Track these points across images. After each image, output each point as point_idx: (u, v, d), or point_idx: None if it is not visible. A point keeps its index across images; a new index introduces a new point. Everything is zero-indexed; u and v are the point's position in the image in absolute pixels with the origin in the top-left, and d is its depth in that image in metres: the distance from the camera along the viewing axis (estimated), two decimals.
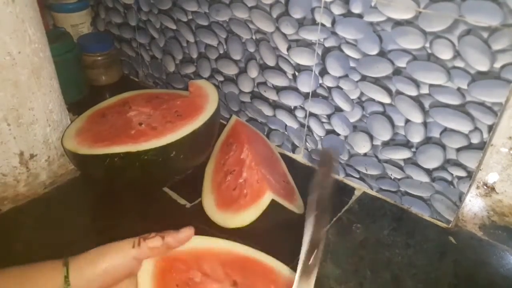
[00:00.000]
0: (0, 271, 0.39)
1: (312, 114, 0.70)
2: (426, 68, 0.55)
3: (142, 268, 0.41)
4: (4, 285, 0.38)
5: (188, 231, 0.45)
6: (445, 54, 0.53)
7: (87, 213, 0.65)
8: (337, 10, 0.59)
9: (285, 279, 0.50)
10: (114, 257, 0.40)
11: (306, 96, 0.70)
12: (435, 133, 0.58)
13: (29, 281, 0.38)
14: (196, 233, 0.60)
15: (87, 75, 0.92)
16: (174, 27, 0.83)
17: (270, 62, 0.71)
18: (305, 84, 0.69)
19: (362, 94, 0.63)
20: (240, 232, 0.59)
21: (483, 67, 0.51)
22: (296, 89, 0.70)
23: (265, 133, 0.79)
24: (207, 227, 0.60)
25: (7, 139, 0.60)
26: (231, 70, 0.78)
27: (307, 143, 0.74)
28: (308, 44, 0.65)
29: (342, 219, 0.64)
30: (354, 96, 0.64)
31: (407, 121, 0.60)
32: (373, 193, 0.69)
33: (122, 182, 0.63)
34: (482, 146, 0.55)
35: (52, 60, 0.64)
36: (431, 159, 0.60)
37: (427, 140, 0.60)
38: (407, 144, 0.62)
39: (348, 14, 0.58)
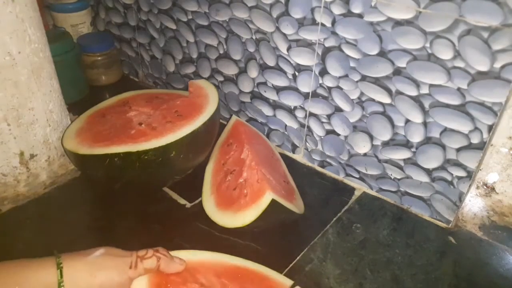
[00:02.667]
0: None
1: (312, 114, 0.71)
2: (426, 68, 0.55)
3: (135, 286, 0.41)
4: None
5: (181, 263, 0.45)
6: (445, 54, 0.53)
7: (87, 213, 0.65)
8: (337, 10, 0.59)
9: (281, 285, 0.50)
10: (112, 273, 0.40)
11: (306, 96, 0.70)
12: (435, 133, 0.58)
13: (13, 281, 0.37)
14: (196, 233, 0.60)
15: (87, 75, 0.92)
16: (174, 27, 0.83)
17: (270, 62, 0.71)
18: (305, 84, 0.69)
19: (362, 94, 0.63)
20: (240, 232, 0.59)
21: (483, 67, 0.51)
22: (296, 89, 0.70)
23: (265, 133, 0.79)
24: (207, 227, 0.60)
25: (7, 139, 0.60)
26: (231, 70, 0.78)
27: (307, 143, 0.74)
28: (308, 44, 0.65)
29: (342, 219, 0.64)
30: (354, 96, 0.64)
31: (407, 121, 0.60)
32: (373, 193, 0.69)
33: (122, 182, 0.62)
34: (482, 146, 0.55)
35: (52, 60, 0.64)
36: (431, 159, 0.60)
37: (427, 140, 0.60)
38: (407, 144, 0.62)
39: (348, 14, 0.58)
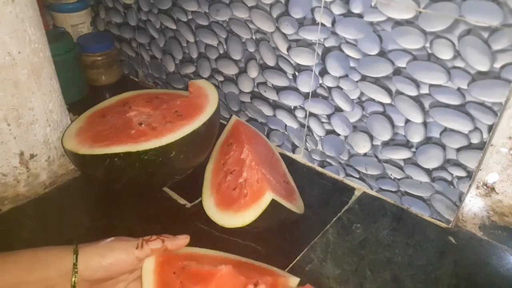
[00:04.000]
0: (11, 252, 0.43)
1: (312, 114, 0.71)
2: (426, 68, 0.55)
3: (145, 265, 0.46)
4: (16, 265, 0.42)
5: (184, 238, 0.49)
6: (445, 54, 0.53)
7: (87, 213, 0.65)
8: (337, 10, 0.59)
9: (282, 276, 0.50)
10: (120, 254, 0.45)
11: (306, 96, 0.70)
12: (435, 133, 0.58)
13: (39, 264, 0.43)
14: (196, 233, 0.60)
15: (87, 75, 0.92)
16: (174, 27, 0.83)
17: (270, 62, 0.71)
18: (305, 84, 0.69)
19: (362, 94, 0.63)
20: (240, 232, 0.59)
21: (483, 67, 0.51)
22: (296, 89, 0.70)
23: (265, 133, 0.79)
24: (207, 227, 0.60)
25: (7, 139, 0.60)
26: (231, 70, 0.78)
27: (307, 143, 0.74)
28: (308, 44, 0.65)
29: (342, 219, 0.64)
30: (354, 96, 0.64)
31: (407, 121, 0.60)
32: (373, 193, 0.69)
33: (122, 182, 0.62)
34: (482, 146, 0.55)
35: (52, 60, 0.64)
36: (431, 159, 0.60)
37: (427, 140, 0.60)
38: (407, 144, 0.62)
39: (348, 14, 0.58)
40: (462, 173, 0.59)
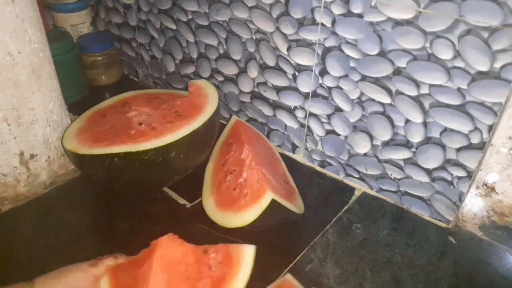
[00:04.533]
0: None
1: (312, 114, 0.71)
2: (426, 68, 0.55)
3: (102, 283, 0.48)
4: None
5: None
6: (445, 54, 0.53)
7: (87, 213, 0.65)
8: (337, 10, 0.59)
9: (234, 245, 0.51)
10: (76, 274, 0.47)
11: (306, 96, 0.70)
12: (435, 133, 0.58)
13: None
14: (196, 233, 0.60)
15: (87, 75, 0.92)
16: (174, 27, 0.83)
17: (270, 62, 0.71)
18: (305, 84, 0.69)
19: (362, 94, 0.63)
20: (240, 232, 0.59)
21: (483, 67, 0.51)
22: (296, 89, 0.70)
23: (265, 133, 0.79)
24: (207, 227, 0.60)
25: (7, 139, 0.60)
26: (231, 70, 0.78)
27: (307, 143, 0.74)
28: (308, 44, 0.65)
29: (342, 219, 0.64)
30: (354, 96, 0.64)
31: (407, 121, 0.60)
32: (373, 193, 0.69)
33: (122, 182, 0.63)
34: (482, 146, 0.55)
35: (52, 60, 0.64)
36: (431, 159, 0.60)
37: (427, 140, 0.60)
38: (407, 144, 0.62)
39: (348, 14, 0.58)
40: (462, 173, 0.59)
